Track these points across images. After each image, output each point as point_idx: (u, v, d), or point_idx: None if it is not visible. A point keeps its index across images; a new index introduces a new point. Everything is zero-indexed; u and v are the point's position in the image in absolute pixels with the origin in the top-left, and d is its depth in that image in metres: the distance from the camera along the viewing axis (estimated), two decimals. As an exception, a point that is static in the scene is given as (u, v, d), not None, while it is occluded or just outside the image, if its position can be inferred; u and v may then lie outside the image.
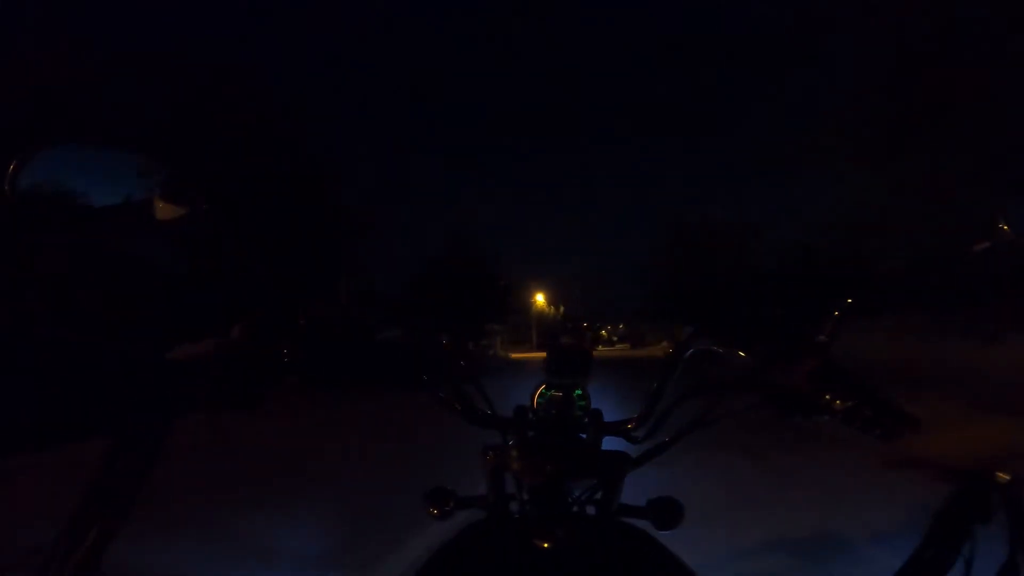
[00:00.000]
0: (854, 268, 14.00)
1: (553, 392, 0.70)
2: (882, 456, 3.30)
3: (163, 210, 0.54)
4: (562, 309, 50.78)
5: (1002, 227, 0.62)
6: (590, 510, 0.59)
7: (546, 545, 0.51)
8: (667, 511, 0.57)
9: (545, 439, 0.62)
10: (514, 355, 31.24)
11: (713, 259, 22.32)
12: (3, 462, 3.93)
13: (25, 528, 1.89)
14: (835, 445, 3.69)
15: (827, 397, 0.46)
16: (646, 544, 0.53)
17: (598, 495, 0.58)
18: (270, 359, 0.54)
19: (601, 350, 48.70)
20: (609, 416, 0.64)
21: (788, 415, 0.49)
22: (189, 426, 4.27)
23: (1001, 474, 0.61)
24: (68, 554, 0.43)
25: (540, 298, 45.70)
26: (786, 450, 4.04)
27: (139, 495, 0.47)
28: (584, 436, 0.62)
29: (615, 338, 74.15)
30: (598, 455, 0.59)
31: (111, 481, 0.45)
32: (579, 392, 0.70)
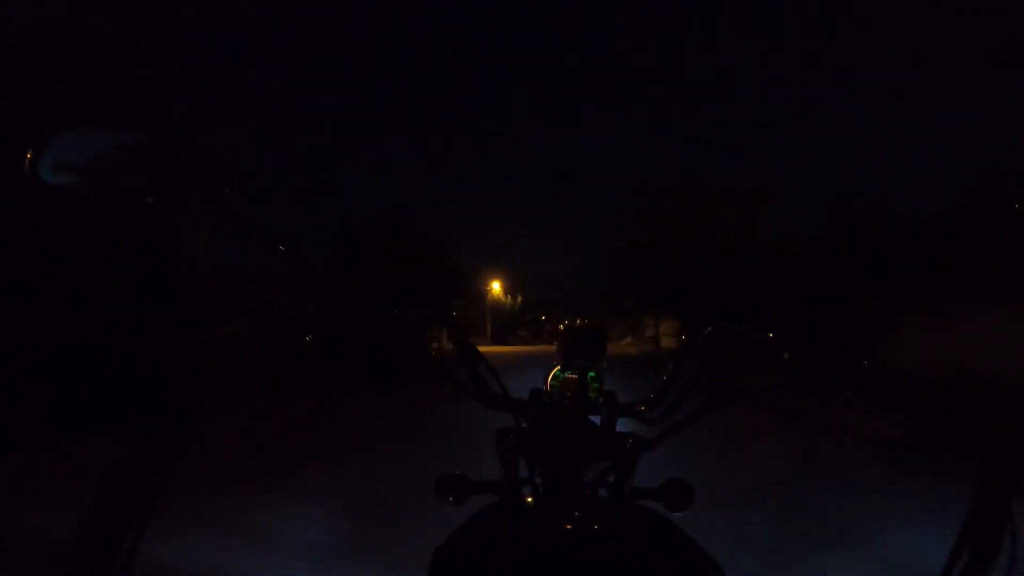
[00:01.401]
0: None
1: (567, 374, 0.69)
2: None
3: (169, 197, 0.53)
4: (520, 299, 46.50)
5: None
6: (603, 492, 0.59)
7: (561, 528, 0.52)
8: (679, 493, 0.57)
9: (559, 422, 0.62)
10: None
11: (711, 237, 17.65)
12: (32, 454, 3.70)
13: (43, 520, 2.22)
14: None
15: (849, 377, 0.50)
16: (660, 525, 0.55)
17: (611, 477, 0.58)
18: (295, 341, 0.51)
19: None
20: None
21: (808, 394, 0.36)
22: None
23: None
24: (93, 546, 0.42)
25: (496, 286, 41.18)
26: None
27: (166, 487, 0.46)
28: (598, 418, 0.62)
29: (574, 332, 74.71)
30: (612, 437, 0.59)
31: (137, 472, 0.44)
32: (593, 374, 0.69)
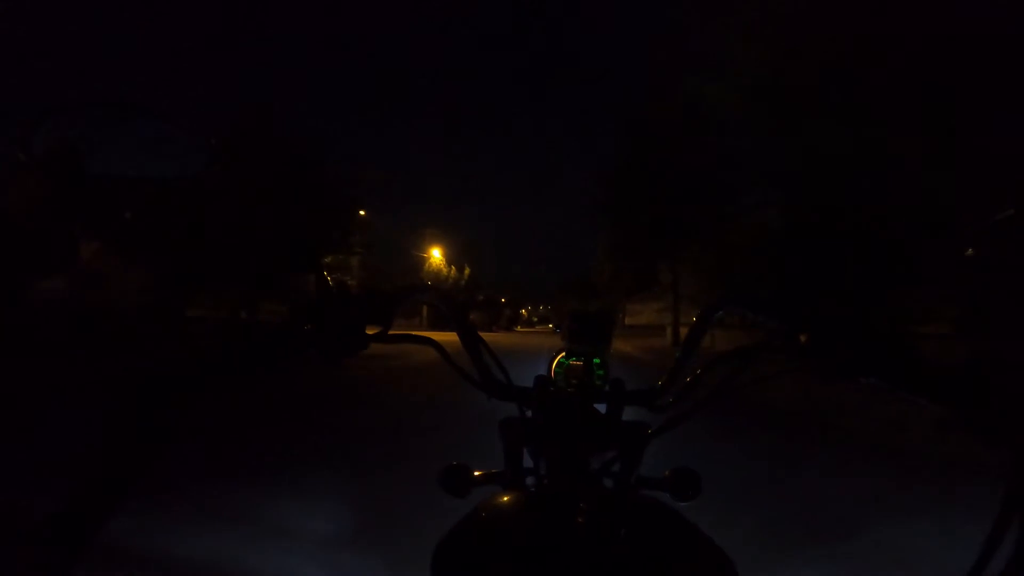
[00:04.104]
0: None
1: (572, 361, 0.70)
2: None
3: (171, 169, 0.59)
4: (467, 272, 37.83)
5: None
6: (608, 481, 0.59)
7: (566, 518, 0.50)
8: (685, 482, 0.57)
9: (564, 411, 0.62)
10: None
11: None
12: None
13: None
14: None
15: (872, 358, 0.45)
16: (666, 516, 0.52)
17: (617, 466, 0.58)
18: (289, 332, 0.48)
19: (520, 331, 39.62)
20: None
21: (826, 378, 0.48)
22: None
23: None
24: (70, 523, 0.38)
25: (436, 254, 32.30)
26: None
27: (145, 469, 0.41)
28: (604, 406, 0.62)
29: (535, 319, 70.22)
30: (618, 426, 0.59)
31: (118, 452, 0.40)
32: (598, 361, 0.70)
